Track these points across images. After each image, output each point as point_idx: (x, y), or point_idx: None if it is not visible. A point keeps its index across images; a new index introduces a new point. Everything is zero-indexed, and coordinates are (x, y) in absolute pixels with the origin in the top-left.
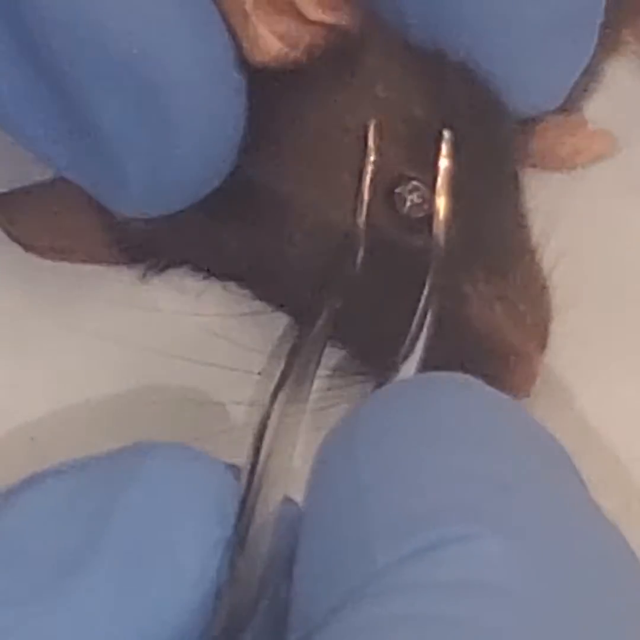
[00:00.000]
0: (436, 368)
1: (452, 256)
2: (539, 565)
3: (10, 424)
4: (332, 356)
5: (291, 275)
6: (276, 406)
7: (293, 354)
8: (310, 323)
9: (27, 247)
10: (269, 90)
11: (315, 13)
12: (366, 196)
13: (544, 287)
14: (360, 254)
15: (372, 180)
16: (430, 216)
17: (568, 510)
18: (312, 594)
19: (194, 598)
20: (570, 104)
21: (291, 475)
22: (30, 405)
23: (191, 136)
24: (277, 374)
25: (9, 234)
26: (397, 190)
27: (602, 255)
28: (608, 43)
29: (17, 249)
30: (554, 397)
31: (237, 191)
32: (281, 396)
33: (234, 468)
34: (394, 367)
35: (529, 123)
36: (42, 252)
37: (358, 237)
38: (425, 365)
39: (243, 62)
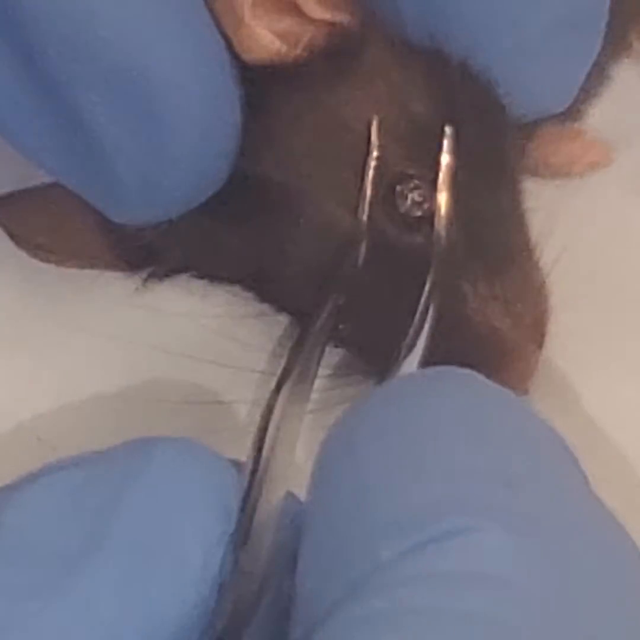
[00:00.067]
0: (435, 365)
1: (452, 253)
2: (542, 557)
3: (17, 424)
4: (333, 355)
5: (293, 275)
6: (279, 402)
7: (295, 351)
8: (312, 321)
9: (29, 250)
10: (269, 90)
11: (317, 11)
12: (368, 193)
13: (542, 286)
14: (362, 251)
15: (373, 177)
16: (429, 215)
17: (570, 504)
18: (316, 589)
19: (197, 592)
20: (574, 107)
21: (294, 472)
22: (37, 405)
23: (186, 143)
24: (280, 371)
25: (11, 236)
26: (398, 187)
27: (605, 255)
28: (612, 45)
29: (21, 251)
30: (558, 396)
31: (238, 192)
32: (283, 392)
33: (236, 464)
34: (396, 365)
35: (529, 128)
36: (43, 257)
37: (360, 235)
38: (425, 362)
39: (240, 64)
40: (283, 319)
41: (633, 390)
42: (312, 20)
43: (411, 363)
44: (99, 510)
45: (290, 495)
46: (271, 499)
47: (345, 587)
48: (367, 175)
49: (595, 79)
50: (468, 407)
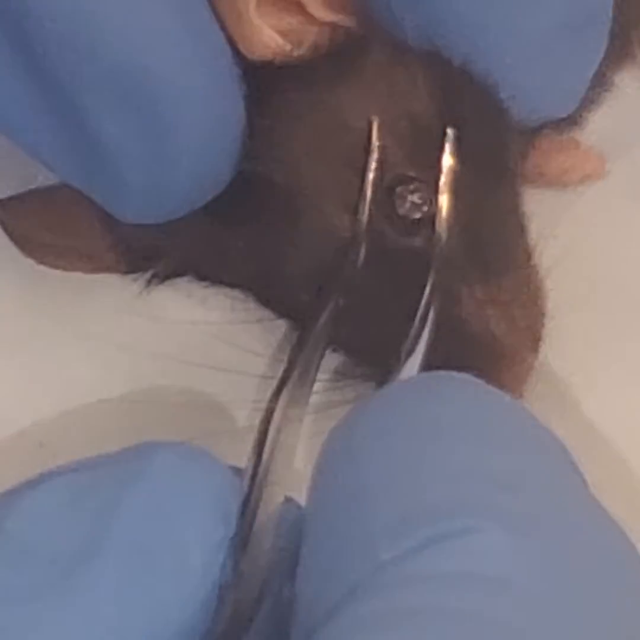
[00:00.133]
0: (433, 368)
1: (451, 256)
2: (542, 558)
3: (19, 429)
4: (333, 360)
5: (293, 276)
6: (279, 405)
7: (295, 353)
8: (312, 323)
9: (31, 253)
10: (271, 90)
11: (323, 12)
12: (369, 195)
13: (539, 290)
14: (362, 253)
15: (374, 178)
16: (427, 217)
17: (569, 505)
18: (316, 590)
19: (198, 596)
20: (576, 113)
21: (293, 476)
22: (38, 411)
23: (189, 143)
24: (280, 374)
25: (13, 239)
26: (398, 189)
27: (605, 259)
28: (614, 51)
29: (24, 257)
30: (558, 400)
31: (238, 192)
32: (283, 396)
33: (237, 471)
34: (396, 368)
35: (530, 132)
36: (45, 259)
37: (359, 236)
38: (425, 365)
39: (242, 64)
40: (283, 324)
41: (633, 394)
42: (316, 21)
43: (412, 366)
44: (100, 514)
45: (289, 499)
46: (271, 503)
47: (346, 589)
48: (368, 176)
49: (597, 85)
50: (467, 410)
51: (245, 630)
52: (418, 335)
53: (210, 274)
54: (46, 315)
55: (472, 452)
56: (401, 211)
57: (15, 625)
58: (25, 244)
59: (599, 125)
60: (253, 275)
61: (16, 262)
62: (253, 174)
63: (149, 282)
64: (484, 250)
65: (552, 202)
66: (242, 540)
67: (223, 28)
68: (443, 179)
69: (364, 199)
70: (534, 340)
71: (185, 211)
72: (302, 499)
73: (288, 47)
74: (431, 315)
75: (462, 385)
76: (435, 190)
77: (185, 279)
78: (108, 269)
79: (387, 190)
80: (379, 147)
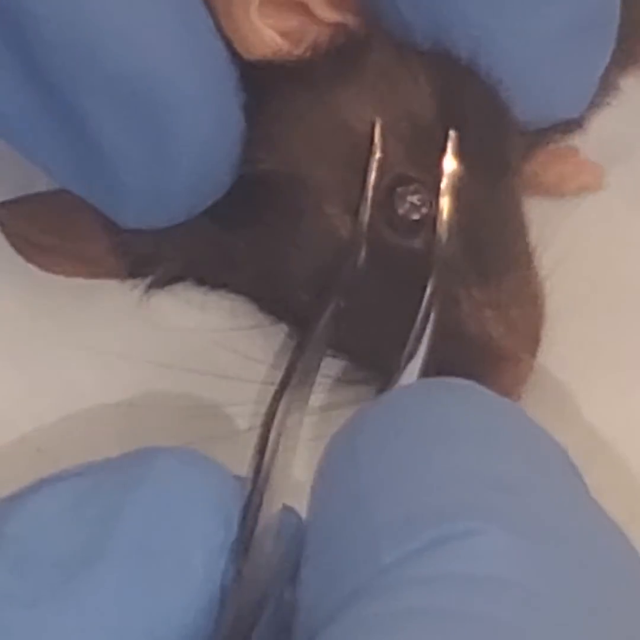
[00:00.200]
0: (430, 370)
1: (451, 258)
2: (544, 560)
3: (17, 435)
4: (334, 364)
5: (294, 278)
6: (279, 409)
7: (296, 355)
8: (313, 324)
9: (31, 257)
10: (271, 90)
11: (327, 13)
12: (370, 195)
13: (538, 293)
14: (363, 253)
15: (375, 179)
16: (426, 219)
17: (571, 508)
18: (318, 594)
19: (200, 601)
20: (582, 116)
21: (294, 483)
22: (37, 416)
23: (190, 148)
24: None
25: (12, 243)
26: (398, 189)
27: (607, 264)
28: (619, 54)
29: (23, 262)
30: (559, 406)
31: (239, 194)
32: (284, 399)
33: (239, 478)
34: (397, 371)
35: (533, 135)
36: (45, 264)
37: (360, 237)
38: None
39: (242, 65)
40: (282, 330)
41: (634, 400)
42: (319, 21)
43: (413, 369)
44: (101, 518)
45: (287, 508)
46: (272, 507)
47: (348, 591)
48: (369, 176)
49: (602, 88)
50: (469, 415)
51: (247, 635)
52: (419, 338)
53: (211, 277)
54: (46, 320)
55: (474, 456)
56: (400, 212)
57: (18, 629)
58: (25, 247)
59: (602, 128)
60: (254, 277)
61: (17, 269)
62: (253, 175)
63: (149, 287)
64: (483, 251)
65: (552, 204)
66: (243, 544)
67: (220, 29)
68: (445, 182)
69: (365, 200)
70: (533, 342)
71: (184, 217)
72: (302, 504)
73: (287, 46)
74: (432, 318)
75: (463, 391)
76: (436, 192)
77: (185, 285)
78: (108, 274)
79: (387, 191)
80: (381, 147)
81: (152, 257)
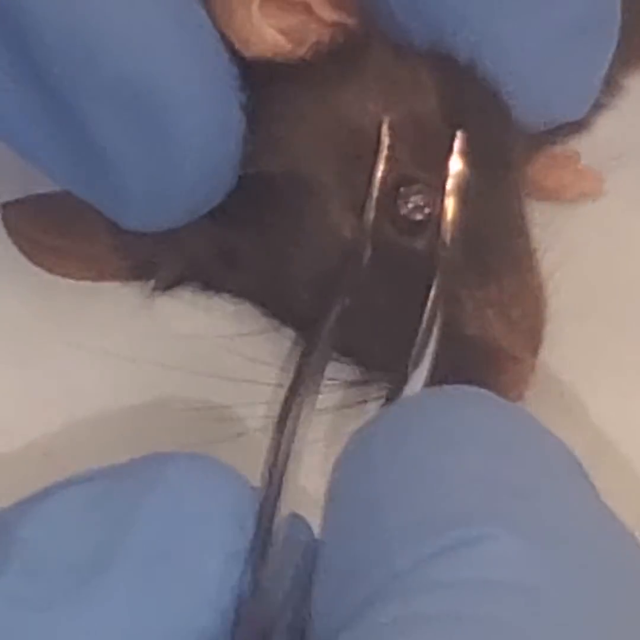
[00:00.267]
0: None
1: (453, 258)
2: (557, 564)
3: (24, 439)
4: (341, 371)
5: (299, 278)
6: (291, 414)
7: (304, 357)
8: (319, 325)
9: (33, 258)
10: (273, 90)
11: (330, 13)
12: (375, 195)
13: (540, 293)
14: (367, 253)
15: (380, 179)
16: (429, 220)
17: (582, 513)
18: (333, 600)
19: (214, 606)
20: (585, 117)
21: (306, 491)
22: (43, 420)
23: (191, 150)
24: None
25: (16, 243)
26: (402, 190)
27: (612, 266)
28: (621, 55)
29: (28, 265)
30: (565, 409)
31: (242, 194)
32: (295, 404)
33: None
34: (405, 375)
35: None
36: (49, 266)
37: (364, 237)
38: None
39: (243, 65)
40: (287, 334)
41: (638, 402)
42: (320, 21)
43: (422, 371)
44: (115, 523)
45: (298, 516)
46: (286, 512)
47: (363, 597)
48: (375, 175)
49: (604, 89)
50: (480, 422)
51: None
52: (426, 339)
53: (215, 280)
54: (51, 325)
55: (486, 462)
56: (403, 211)
57: (30, 633)
58: (28, 247)
59: (603, 129)
60: (258, 279)
61: (21, 273)
62: (256, 176)
63: (153, 290)
64: (485, 252)
65: (554, 206)
66: (259, 551)
67: (220, 29)
68: (451, 182)
69: (370, 199)
70: (534, 341)
71: (186, 219)
72: (308, 507)
73: (288, 46)
74: (438, 319)
75: (474, 398)
76: (441, 193)
77: (189, 289)
78: (112, 276)
79: (390, 191)
80: (388, 146)
81: (156, 259)
